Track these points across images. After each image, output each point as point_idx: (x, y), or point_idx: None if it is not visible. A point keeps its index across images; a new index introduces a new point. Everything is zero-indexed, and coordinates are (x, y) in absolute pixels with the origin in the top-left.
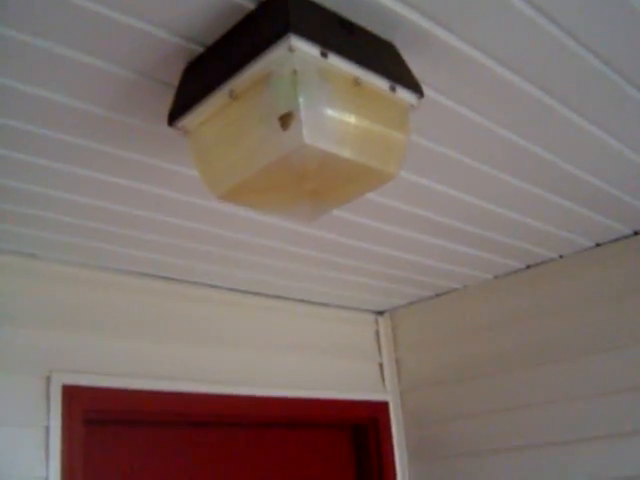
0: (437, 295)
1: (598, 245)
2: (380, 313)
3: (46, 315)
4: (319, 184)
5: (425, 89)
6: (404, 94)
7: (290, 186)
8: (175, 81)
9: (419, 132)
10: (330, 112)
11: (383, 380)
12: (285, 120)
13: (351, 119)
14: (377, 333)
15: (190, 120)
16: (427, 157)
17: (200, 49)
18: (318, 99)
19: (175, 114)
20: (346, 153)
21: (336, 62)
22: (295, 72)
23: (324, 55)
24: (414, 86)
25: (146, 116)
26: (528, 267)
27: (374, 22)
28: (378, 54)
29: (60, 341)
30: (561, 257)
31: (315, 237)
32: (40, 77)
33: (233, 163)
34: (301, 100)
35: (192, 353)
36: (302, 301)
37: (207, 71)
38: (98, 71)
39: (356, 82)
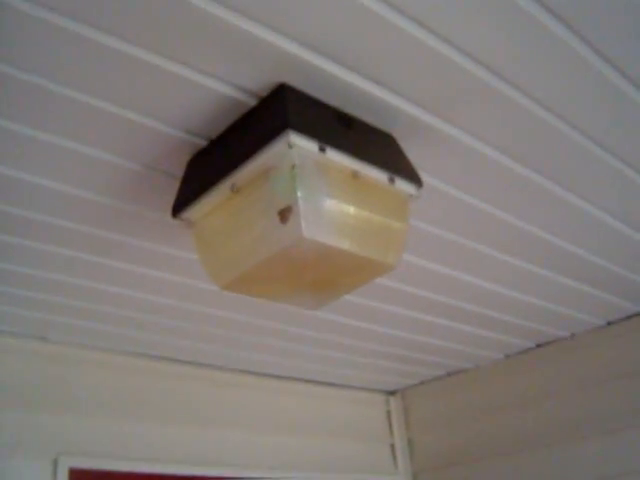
0: (449, 375)
1: (609, 324)
2: (391, 393)
3: (54, 397)
4: (320, 275)
5: (425, 176)
6: (403, 185)
7: (291, 277)
8: (179, 173)
9: (421, 217)
10: (329, 205)
11: (395, 461)
12: (284, 214)
13: (350, 211)
14: (388, 413)
15: (193, 212)
16: (431, 241)
17: (203, 142)
18: (317, 193)
19: (179, 206)
20: (345, 245)
21: (334, 156)
22: (294, 167)
23: (322, 150)
24: (413, 176)
25: (152, 206)
26: (538, 346)
27: (372, 115)
28: (376, 146)
29: (67, 424)
30: (572, 336)
31: (323, 319)
32: (49, 169)
33: (235, 255)
34: (299, 194)
35: (198, 435)
36: (311, 382)
37: (210, 165)
38: (105, 163)
39: (355, 175)
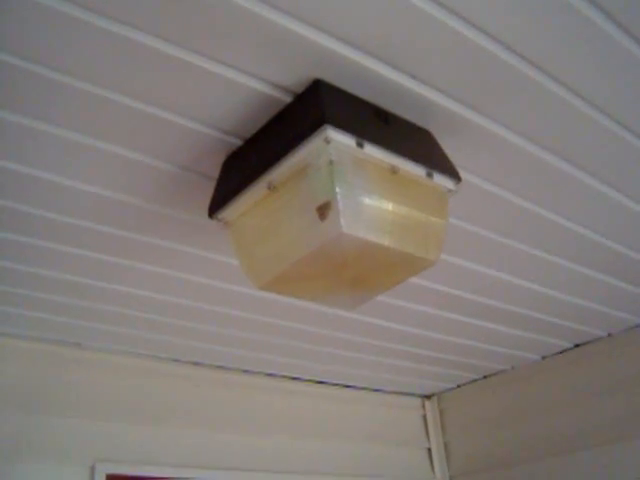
0: (485, 377)
1: None
2: (427, 397)
3: (90, 404)
4: (359, 272)
5: (462, 172)
6: (441, 180)
7: (330, 275)
8: (215, 173)
9: (456, 214)
10: (367, 201)
11: (432, 466)
12: (323, 211)
13: (389, 207)
14: (424, 417)
15: (230, 212)
16: (466, 238)
17: (239, 142)
18: (355, 189)
19: (215, 206)
20: (385, 241)
21: (372, 151)
22: (331, 163)
23: (360, 145)
24: (451, 171)
25: (187, 208)
26: (576, 346)
27: (409, 111)
28: (414, 141)
29: (104, 430)
30: (609, 335)
31: (358, 322)
32: (85, 172)
33: (273, 254)
34: (338, 190)
35: (233, 441)
36: (345, 386)
37: (246, 164)
38: (140, 165)
39: (393, 170)
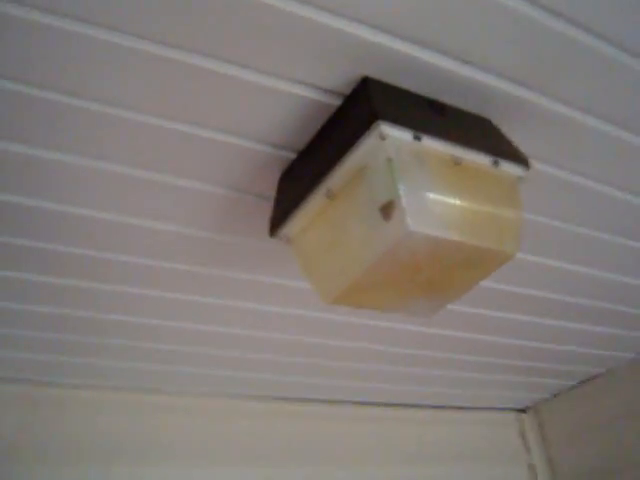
0: (581, 383)
1: None
2: (522, 411)
3: (176, 449)
4: (432, 275)
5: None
6: (509, 167)
7: (403, 280)
8: (271, 193)
9: (530, 207)
10: (433, 196)
11: None
12: (386, 210)
13: (456, 201)
14: (522, 432)
15: (291, 227)
16: (544, 233)
17: (292, 155)
18: (418, 184)
19: (276, 224)
20: (455, 236)
21: (431, 144)
22: (390, 160)
23: (417, 138)
24: (518, 157)
25: (245, 232)
26: None
27: (465, 99)
28: (474, 130)
29: (195, 475)
30: None
31: (438, 335)
32: (135, 206)
33: (340, 265)
34: (400, 187)
35: (310, 474)
36: (433, 407)
37: (302, 175)
38: (194, 193)
39: (456, 162)
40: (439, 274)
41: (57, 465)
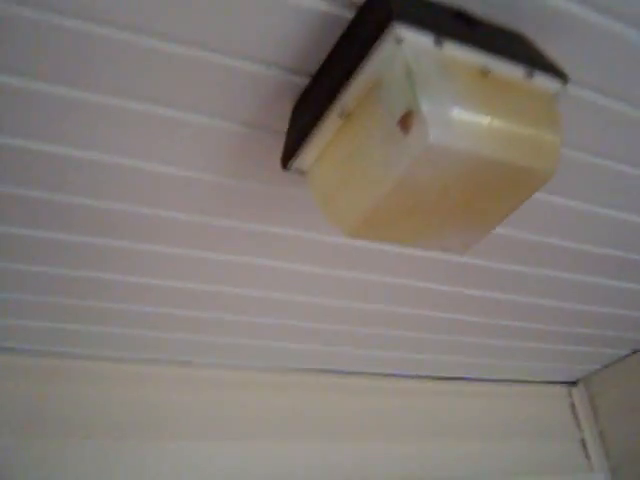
0: (634, 352)
1: None
2: (572, 383)
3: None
4: (461, 200)
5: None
6: (544, 81)
7: (429, 207)
8: (285, 126)
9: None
10: (458, 109)
11: (588, 458)
12: (405, 122)
13: (484, 115)
14: (572, 406)
15: (305, 157)
16: (592, 174)
17: (305, 81)
18: (440, 95)
19: (289, 154)
20: (484, 151)
21: (455, 51)
22: (408, 66)
23: (439, 44)
24: (555, 70)
25: (259, 175)
26: None
27: (495, 10)
28: (505, 41)
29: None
30: None
31: (479, 298)
32: (139, 146)
33: (358, 192)
34: (419, 95)
35: (361, 449)
36: (479, 380)
37: (314, 100)
38: (201, 129)
39: (483, 72)
40: (469, 199)
41: (71, 438)
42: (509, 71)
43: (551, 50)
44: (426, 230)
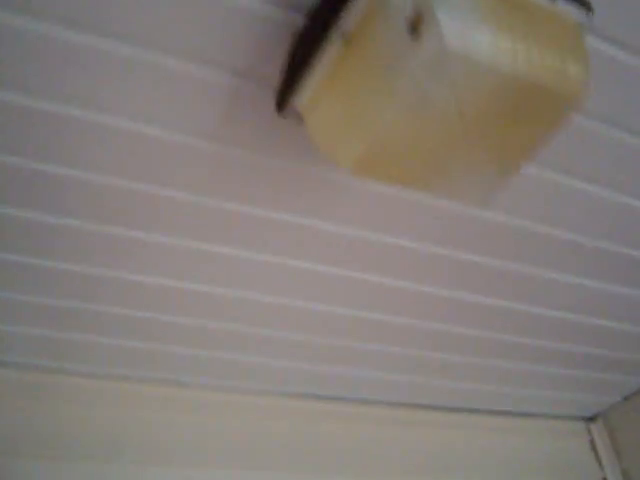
0: None
1: None
2: (591, 419)
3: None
4: (479, 130)
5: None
6: (568, 7)
7: (441, 141)
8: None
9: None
10: (475, 14)
11: None
12: (415, 26)
13: (504, 30)
14: (592, 443)
15: (302, 95)
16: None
17: (302, 19)
18: (455, 6)
19: (284, 94)
20: (505, 65)
21: None
22: None
23: None
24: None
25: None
26: None
27: None
28: None
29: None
30: None
31: (489, 313)
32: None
33: (361, 120)
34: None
35: None
36: (489, 412)
37: (311, 32)
38: (187, 79)
39: None
40: (487, 129)
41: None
42: None
43: None
44: (438, 169)
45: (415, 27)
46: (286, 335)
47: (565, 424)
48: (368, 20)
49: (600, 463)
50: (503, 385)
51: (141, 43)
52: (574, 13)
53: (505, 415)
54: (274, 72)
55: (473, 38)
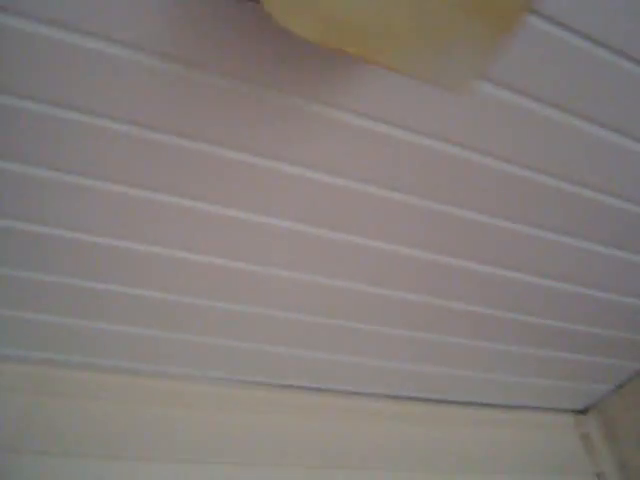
0: None
1: None
2: (582, 412)
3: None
4: None
5: None
6: None
7: (413, 13)
8: None
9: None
10: None
11: None
12: None
13: None
14: (584, 435)
15: None
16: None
17: None
18: None
19: None
20: None
21: None
22: None
23: None
24: None
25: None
26: None
27: None
28: None
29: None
30: None
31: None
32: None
33: None
34: None
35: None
36: (477, 405)
37: None
38: None
39: None
40: None
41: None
42: None
43: None
44: (410, 42)
45: None
46: (285, 315)
47: (556, 417)
48: None
49: (595, 457)
50: (490, 373)
51: None
52: None
53: (494, 408)
54: None
55: None
